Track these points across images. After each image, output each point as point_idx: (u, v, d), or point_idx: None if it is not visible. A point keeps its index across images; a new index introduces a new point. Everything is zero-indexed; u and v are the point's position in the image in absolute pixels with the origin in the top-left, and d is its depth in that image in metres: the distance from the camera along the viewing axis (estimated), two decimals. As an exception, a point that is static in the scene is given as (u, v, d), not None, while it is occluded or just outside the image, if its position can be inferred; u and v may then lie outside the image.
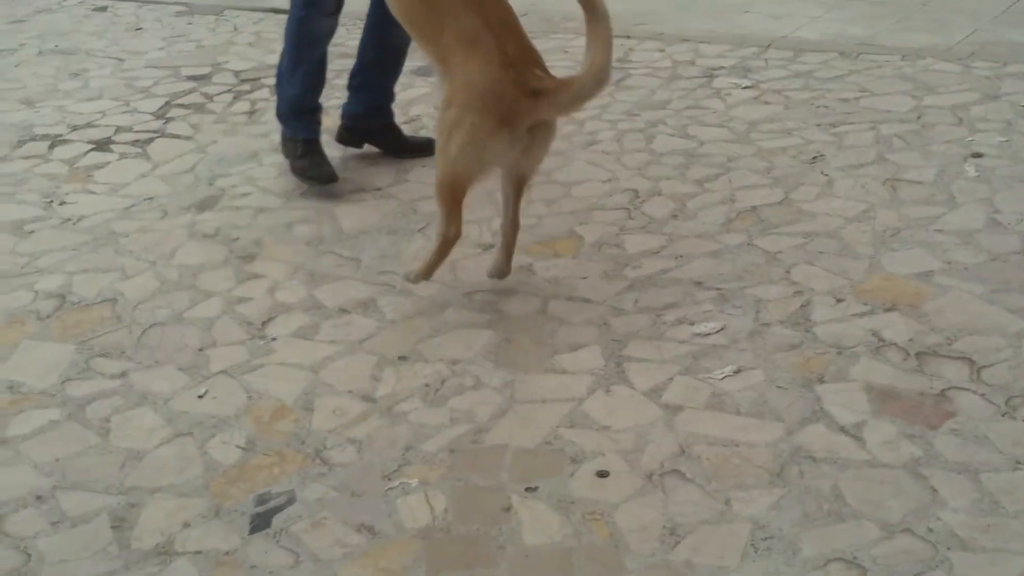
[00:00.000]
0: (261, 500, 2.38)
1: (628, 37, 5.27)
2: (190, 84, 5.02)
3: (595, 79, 2.88)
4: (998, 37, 4.89)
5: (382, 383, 2.77)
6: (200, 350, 2.95)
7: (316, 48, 3.91)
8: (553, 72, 3.02)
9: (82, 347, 2.99)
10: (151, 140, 4.45)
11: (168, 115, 4.69)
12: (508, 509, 2.30)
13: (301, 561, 2.20)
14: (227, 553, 2.23)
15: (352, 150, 4.18)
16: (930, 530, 2.17)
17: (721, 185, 3.79)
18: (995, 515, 2.19)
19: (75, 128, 4.58)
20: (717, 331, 2.89)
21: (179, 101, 4.83)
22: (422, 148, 4.12)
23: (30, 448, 2.59)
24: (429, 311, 3.09)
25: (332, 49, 3.99)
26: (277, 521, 2.31)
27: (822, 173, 3.83)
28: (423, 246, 3.38)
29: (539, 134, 3.00)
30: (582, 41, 5.11)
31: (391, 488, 2.39)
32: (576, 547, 2.19)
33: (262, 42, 5.56)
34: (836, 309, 2.94)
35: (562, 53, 5.13)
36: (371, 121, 4.15)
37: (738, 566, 2.12)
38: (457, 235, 3.06)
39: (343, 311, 3.11)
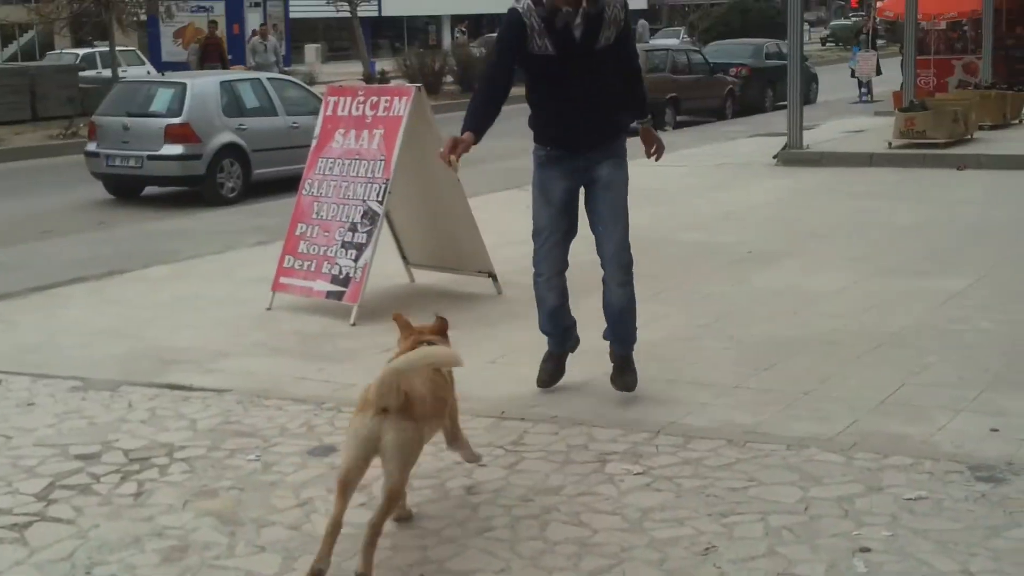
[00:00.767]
0: None
1: (522, 419, 5.36)
2: (77, 464, 4.92)
3: None
4: (877, 428, 5.07)
5: None
6: None
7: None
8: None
9: None
10: (30, 524, 4.30)
11: (51, 496, 4.56)
12: None
13: None
14: None
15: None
16: None
17: (615, 579, 3.76)
18: None
19: (-49, 509, 4.42)
20: None
21: (64, 482, 4.72)
22: None
23: None
24: None
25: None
26: None
27: (714, 566, 3.83)
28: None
29: None
30: (476, 422, 5.15)
31: None
32: None
33: (156, 419, 5.53)
34: None
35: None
36: None
37: None
38: None
39: None
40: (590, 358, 6.23)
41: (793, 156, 14.59)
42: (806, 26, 46.49)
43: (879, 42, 34.36)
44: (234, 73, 18.42)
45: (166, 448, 5.13)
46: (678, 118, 22.20)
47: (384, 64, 35.13)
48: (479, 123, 5.21)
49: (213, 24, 27.22)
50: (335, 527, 3.78)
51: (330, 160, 7.70)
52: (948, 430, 5.01)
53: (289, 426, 5.39)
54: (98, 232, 11.81)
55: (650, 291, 7.72)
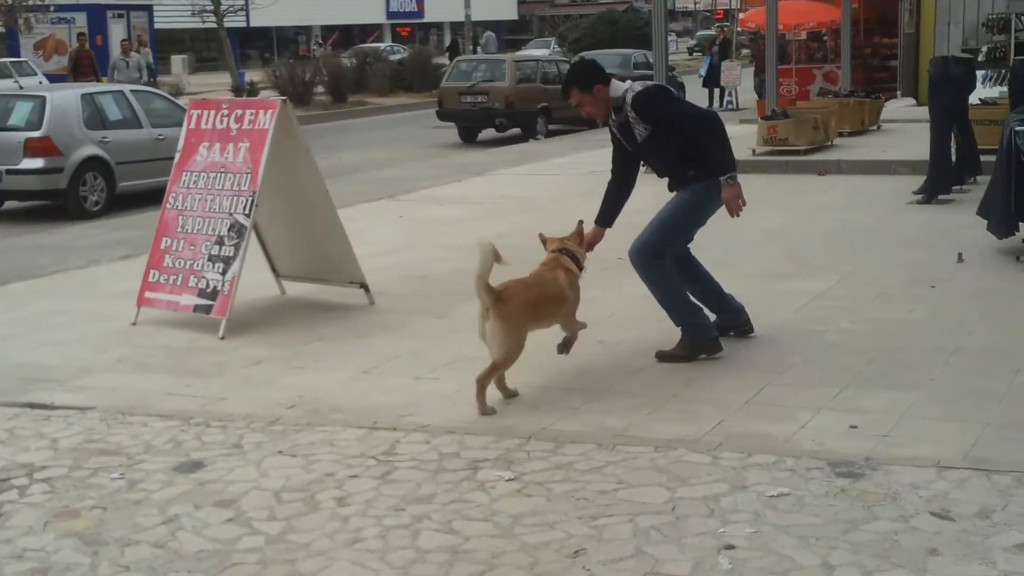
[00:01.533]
0: None
1: (394, 429, 5.35)
2: (-70, 487, 4.75)
3: None
4: (742, 428, 5.19)
5: None
6: None
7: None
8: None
9: None
10: None
11: (-98, 523, 4.39)
12: None
13: None
14: None
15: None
16: None
17: (486, 585, 3.77)
18: None
19: None
20: None
21: (-84, 507, 4.54)
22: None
23: None
24: None
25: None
26: None
27: (584, 568, 3.87)
28: None
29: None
30: (348, 433, 5.16)
31: None
32: None
33: (15, 439, 5.38)
34: None
35: (328, 446, 5.14)
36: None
37: None
38: None
39: None
40: (463, 366, 6.26)
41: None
42: (673, 36, 47.46)
43: (743, 51, 35.28)
44: (96, 85, 17.98)
45: (26, 468, 4.98)
46: (550, 127, 22.39)
47: (253, 75, 34.66)
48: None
49: (82, 36, 26.55)
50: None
51: (194, 173, 7.58)
52: (810, 428, 5.16)
53: (155, 443, 5.28)
54: (-46, 249, 11.40)
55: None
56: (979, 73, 14.19)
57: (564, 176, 14.83)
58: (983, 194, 9.02)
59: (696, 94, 28.61)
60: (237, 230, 7.28)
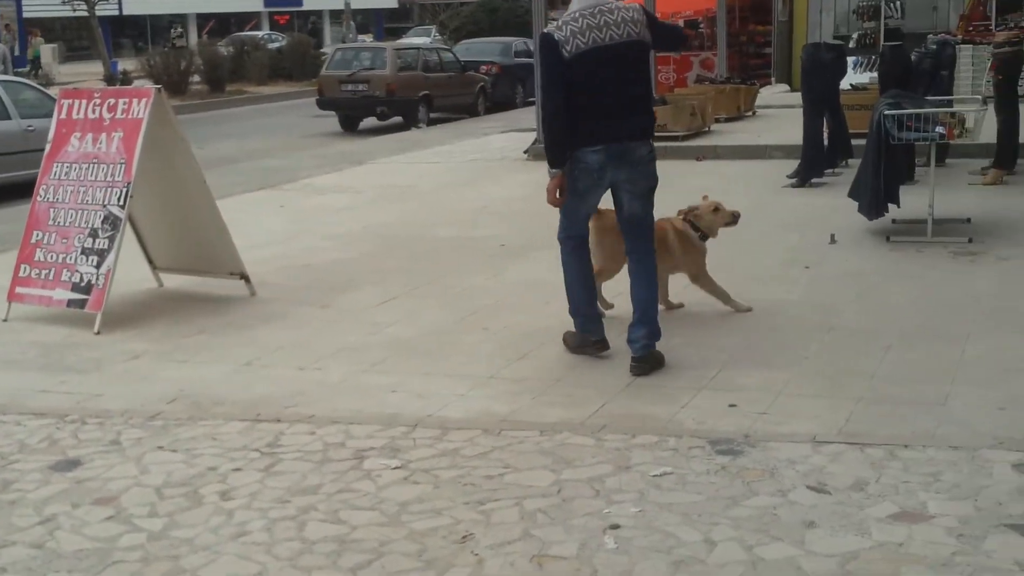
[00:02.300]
0: None
1: (278, 421, 5.29)
2: None
3: None
4: (625, 409, 5.26)
5: None
6: None
7: None
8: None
9: None
10: None
11: None
12: None
13: None
14: None
15: None
16: None
17: (374, 573, 3.76)
18: None
19: None
20: None
21: None
22: None
23: None
24: None
25: None
26: None
27: (472, 553, 3.89)
28: None
29: None
30: (230, 426, 5.08)
31: None
32: None
33: None
34: None
35: (211, 440, 5.06)
36: None
37: None
38: None
39: None
40: (347, 355, 6.22)
41: (543, 151, 14.90)
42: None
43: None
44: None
45: None
46: (431, 115, 22.34)
47: (127, 64, 33.86)
48: None
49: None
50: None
51: (66, 165, 7.38)
52: (690, 408, 5.25)
53: (29, 441, 5.14)
54: None
55: (406, 287, 7.76)
56: (850, 59, 14.56)
57: (446, 164, 14.82)
58: (854, 177, 9.26)
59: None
60: (111, 222, 7.11)
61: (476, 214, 10.75)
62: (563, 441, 4.87)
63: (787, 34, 23.70)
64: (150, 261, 8.09)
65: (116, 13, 45.97)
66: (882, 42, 16.33)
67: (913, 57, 11.77)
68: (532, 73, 16.95)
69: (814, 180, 11.53)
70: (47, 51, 37.88)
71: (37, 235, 7.38)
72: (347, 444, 4.99)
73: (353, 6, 40.25)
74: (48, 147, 7.54)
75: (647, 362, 5.80)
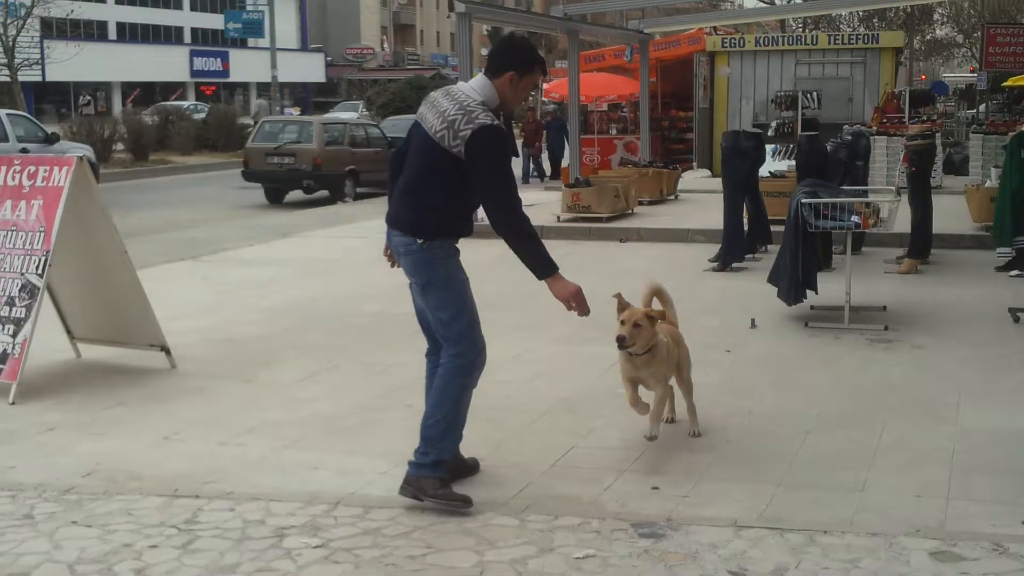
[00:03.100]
0: None
1: (196, 497, 5.20)
2: None
3: None
4: (549, 491, 5.26)
5: None
6: None
7: None
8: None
9: None
10: None
11: None
12: None
13: None
14: None
15: None
16: None
17: (292, 655, 3.69)
18: None
19: None
20: None
21: None
22: None
23: None
24: None
25: None
26: None
27: (393, 635, 3.84)
28: None
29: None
30: (147, 502, 4.95)
31: None
32: None
33: None
34: None
35: (127, 515, 4.95)
36: None
37: None
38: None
39: None
40: (268, 431, 6.15)
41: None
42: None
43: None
44: None
45: None
46: (358, 190, 22.37)
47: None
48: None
49: None
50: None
51: (-15, 231, 7.26)
52: (613, 490, 5.26)
53: (-63, 515, 4.99)
54: None
55: (329, 362, 7.71)
56: (769, 147, 14.94)
57: (372, 239, 14.80)
58: (773, 262, 9.44)
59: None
60: (29, 291, 7.00)
61: (401, 290, 10.68)
62: (486, 521, 4.85)
63: (708, 120, 24.27)
64: (68, 331, 7.95)
65: (39, 79, 45.54)
66: (799, 131, 16.76)
67: (829, 147, 12.11)
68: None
69: (735, 264, 11.73)
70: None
71: (-48, 302, 7.23)
72: (267, 522, 4.92)
73: (280, 80, 40.24)
74: (-33, 213, 7.41)
75: (410, 486, 5.09)
